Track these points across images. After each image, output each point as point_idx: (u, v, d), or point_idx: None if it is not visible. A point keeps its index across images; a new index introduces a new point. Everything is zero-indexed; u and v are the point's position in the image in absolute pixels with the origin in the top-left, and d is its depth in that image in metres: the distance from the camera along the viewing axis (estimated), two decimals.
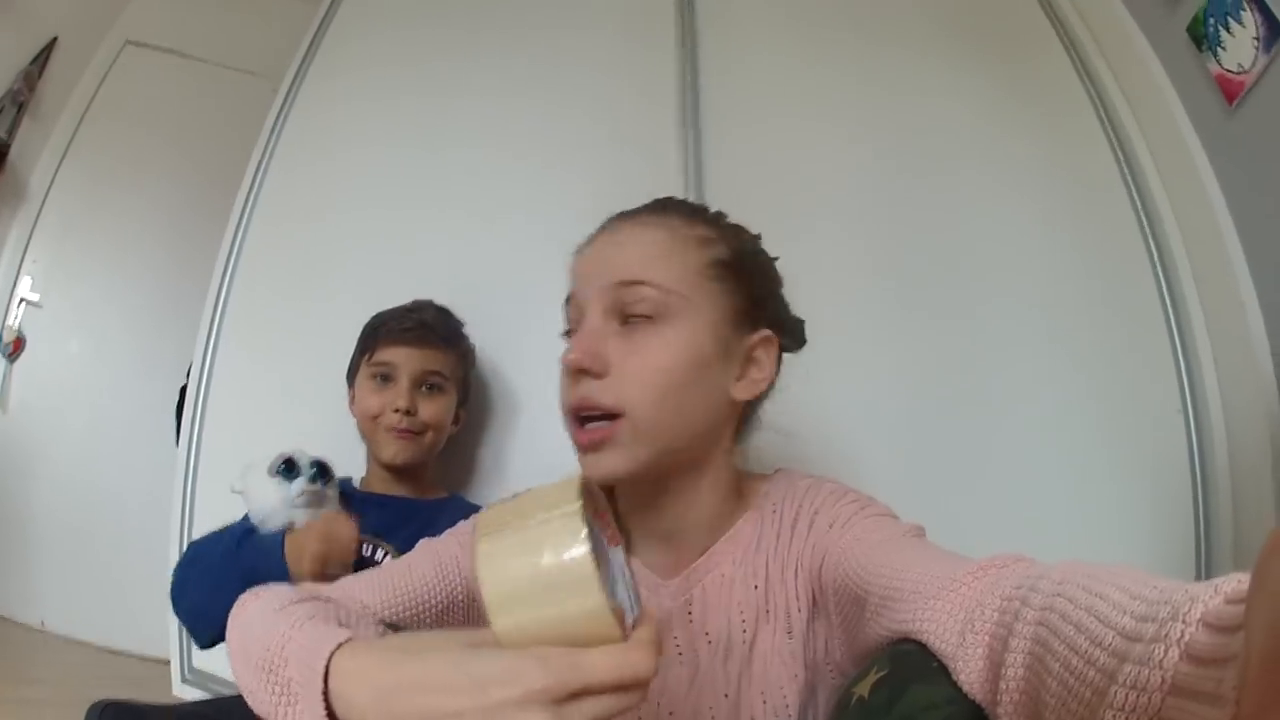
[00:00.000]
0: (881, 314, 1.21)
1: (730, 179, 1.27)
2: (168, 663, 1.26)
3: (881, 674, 0.42)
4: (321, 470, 1.00)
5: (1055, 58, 1.32)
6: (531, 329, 1.19)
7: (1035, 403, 1.17)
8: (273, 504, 0.96)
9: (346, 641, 0.41)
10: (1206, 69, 1.14)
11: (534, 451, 1.24)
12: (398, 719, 0.37)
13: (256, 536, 0.95)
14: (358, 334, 1.14)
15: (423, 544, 0.68)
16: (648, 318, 0.60)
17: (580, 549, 0.36)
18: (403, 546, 0.99)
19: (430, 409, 1.08)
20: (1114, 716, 0.27)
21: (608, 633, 0.37)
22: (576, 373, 0.59)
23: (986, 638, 0.39)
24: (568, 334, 0.66)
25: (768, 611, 0.61)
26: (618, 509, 0.67)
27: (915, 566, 0.47)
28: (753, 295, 0.65)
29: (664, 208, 0.68)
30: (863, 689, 0.42)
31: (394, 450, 1.07)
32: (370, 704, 0.38)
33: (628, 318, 0.60)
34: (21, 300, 2.24)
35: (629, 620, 0.39)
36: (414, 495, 1.12)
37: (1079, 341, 1.19)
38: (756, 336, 0.64)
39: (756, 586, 0.62)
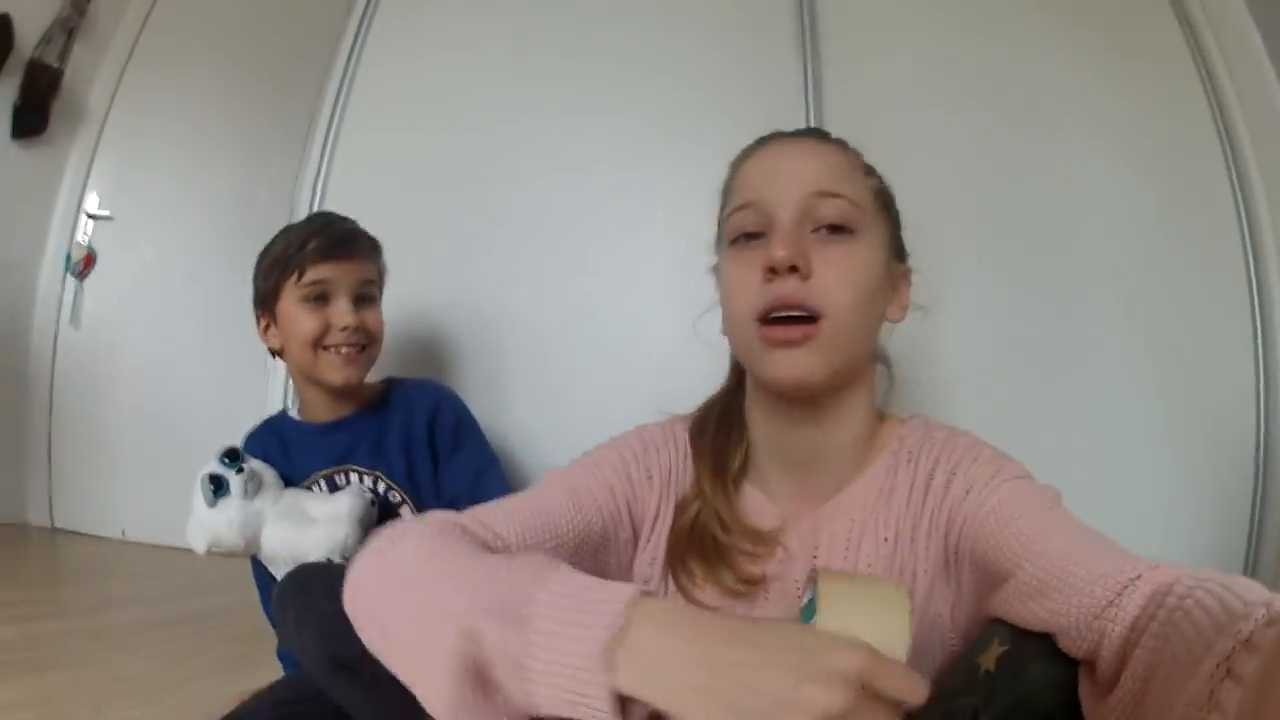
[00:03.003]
0: (974, 261, 1.23)
1: (848, 120, 1.26)
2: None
3: (1005, 648, 0.45)
4: (231, 455, 0.98)
5: (1163, 21, 1.27)
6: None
7: (1107, 363, 1.20)
8: (238, 522, 0.95)
9: (640, 598, 0.40)
10: None
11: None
12: (720, 670, 0.36)
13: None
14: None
15: (552, 475, 0.66)
16: (841, 229, 0.60)
17: (902, 594, 0.42)
18: (371, 461, 1.06)
19: (373, 319, 1.06)
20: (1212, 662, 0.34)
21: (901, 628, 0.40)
22: (774, 271, 0.58)
23: (1118, 641, 0.41)
24: (743, 239, 0.62)
25: (894, 568, 0.60)
26: (750, 437, 0.66)
27: (1064, 558, 0.47)
28: (898, 229, 0.68)
29: (827, 136, 0.68)
30: (988, 662, 0.45)
31: (347, 372, 1.03)
32: (689, 661, 0.37)
33: (820, 227, 0.60)
34: (90, 217, 2.27)
35: None
36: (361, 407, 1.09)
37: (1160, 305, 1.20)
38: (903, 267, 0.68)
39: (886, 539, 0.61)
